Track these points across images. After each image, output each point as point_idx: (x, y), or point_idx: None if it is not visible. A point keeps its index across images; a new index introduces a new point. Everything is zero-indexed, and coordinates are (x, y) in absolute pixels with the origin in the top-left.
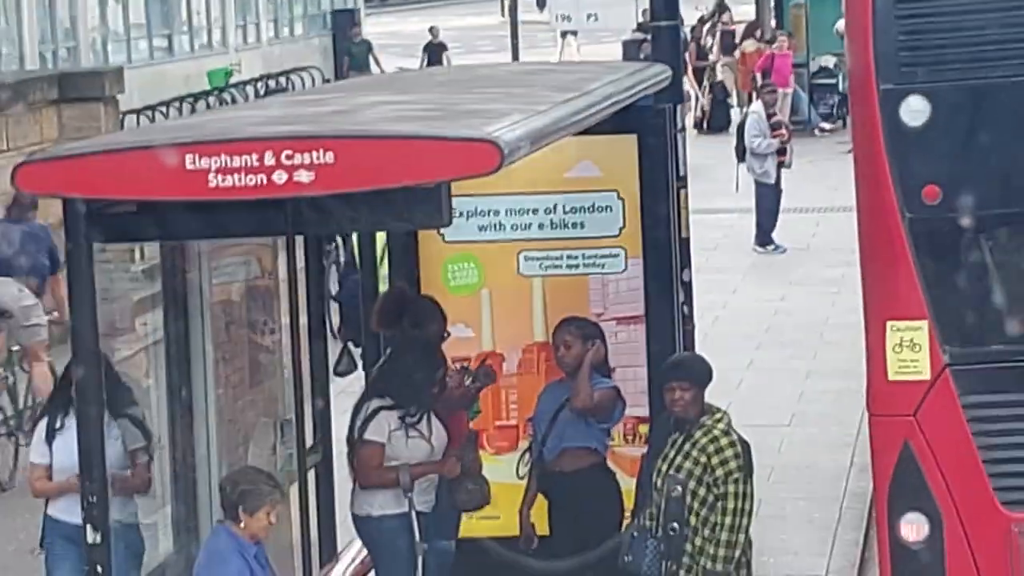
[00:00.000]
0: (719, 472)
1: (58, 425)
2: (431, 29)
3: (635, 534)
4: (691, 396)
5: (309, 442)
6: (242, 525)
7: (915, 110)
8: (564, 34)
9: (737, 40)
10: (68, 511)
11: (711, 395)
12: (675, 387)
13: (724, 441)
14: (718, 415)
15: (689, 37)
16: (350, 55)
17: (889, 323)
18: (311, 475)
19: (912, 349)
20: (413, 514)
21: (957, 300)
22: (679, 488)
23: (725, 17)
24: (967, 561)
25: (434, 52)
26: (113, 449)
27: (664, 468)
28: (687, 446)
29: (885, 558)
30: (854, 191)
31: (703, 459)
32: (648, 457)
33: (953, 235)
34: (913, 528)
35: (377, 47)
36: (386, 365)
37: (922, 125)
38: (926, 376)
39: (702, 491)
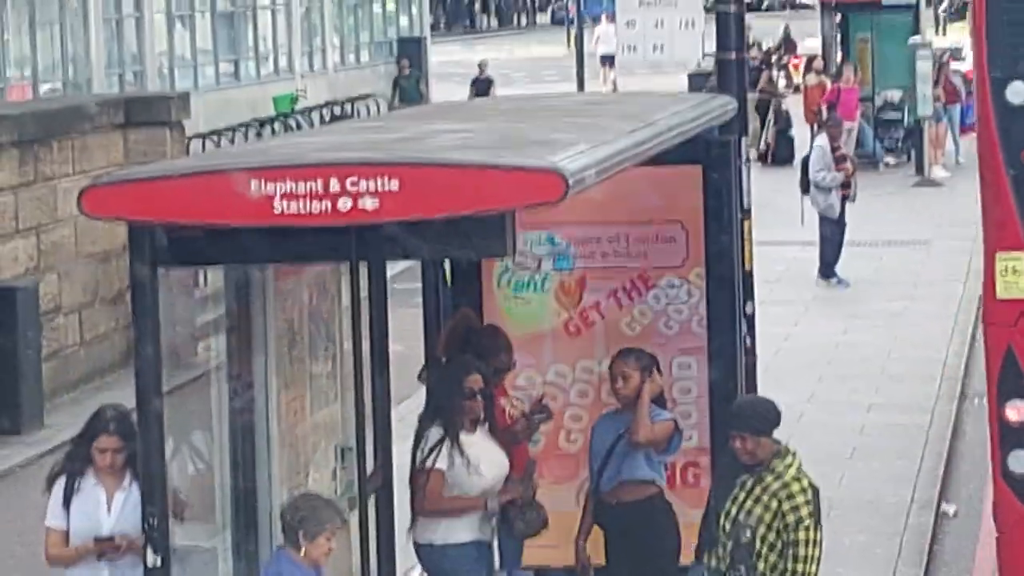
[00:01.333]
0: (790, 519)
1: (76, 487)
2: (480, 64)
3: (704, 574)
4: (753, 445)
5: (370, 468)
6: (302, 551)
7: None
8: (603, 63)
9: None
10: None
11: None
12: (736, 436)
13: (795, 487)
14: (788, 459)
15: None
16: (400, 88)
17: (998, 253)
18: (371, 501)
19: (1015, 274)
20: (496, 542)
21: None
22: (749, 533)
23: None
24: None
25: (481, 86)
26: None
27: (734, 511)
28: (757, 490)
29: (995, 436)
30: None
31: (774, 504)
32: (714, 493)
33: None
34: (1016, 410)
35: (440, 75)
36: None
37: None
38: None
39: (772, 536)
